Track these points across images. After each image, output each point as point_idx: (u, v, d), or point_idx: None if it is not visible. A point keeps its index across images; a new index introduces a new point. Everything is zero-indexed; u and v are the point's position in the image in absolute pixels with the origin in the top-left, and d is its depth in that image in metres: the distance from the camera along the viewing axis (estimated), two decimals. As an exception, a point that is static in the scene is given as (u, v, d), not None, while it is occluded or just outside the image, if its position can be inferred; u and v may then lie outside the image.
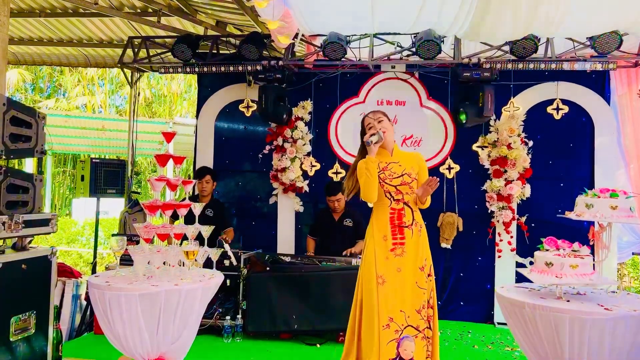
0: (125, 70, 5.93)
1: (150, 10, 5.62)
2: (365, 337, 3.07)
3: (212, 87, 6.02)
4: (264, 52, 5.12)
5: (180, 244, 3.13)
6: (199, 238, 3.15)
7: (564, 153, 5.31)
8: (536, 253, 2.92)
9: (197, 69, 5.44)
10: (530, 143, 5.28)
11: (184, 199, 3.19)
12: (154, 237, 3.00)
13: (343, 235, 5.04)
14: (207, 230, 3.15)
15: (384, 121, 3.24)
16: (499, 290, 2.93)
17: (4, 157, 2.87)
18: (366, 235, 3.25)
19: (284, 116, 5.36)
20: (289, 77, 5.30)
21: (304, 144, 5.68)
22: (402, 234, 3.13)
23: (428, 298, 3.12)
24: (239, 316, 4.42)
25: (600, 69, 4.80)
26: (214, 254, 3.23)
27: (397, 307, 3.03)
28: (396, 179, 3.17)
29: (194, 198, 5.24)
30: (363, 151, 3.26)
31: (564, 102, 5.29)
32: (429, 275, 3.15)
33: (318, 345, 4.33)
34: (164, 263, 3.02)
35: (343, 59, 4.80)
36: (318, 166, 5.74)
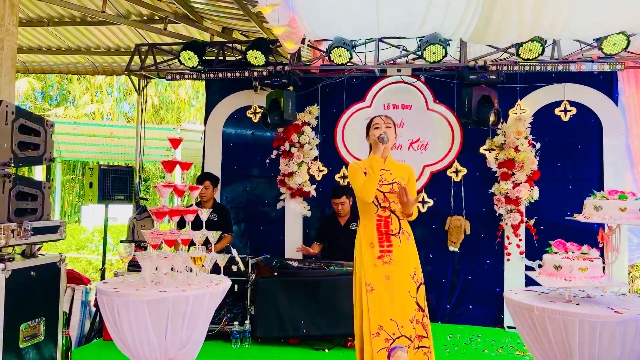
0: (132, 77, 5.97)
1: (156, 17, 5.67)
2: (365, 344, 3.07)
3: (220, 94, 6.06)
4: (269, 57, 5.14)
5: (188, 249, 3.14)
6: (206, 243, 3.16)
7: (572, 155, 5.27)
8: (545, 256, 2.90)
9: (203, 76, 5.47)
10: (538, 145, 5.24)
11: (190, 205, 3.20)
12: (161, 243, 3.01)
13: (350, 240, 5.00)
14: (214, 236, 3.15)
15: (391, 129, 3.27)
16: (508, 294, 2.91)
17: (12, 165, 2.90)
18: (355, 242, 3.27)
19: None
20: (295, 82, 5.31)
21: (311, 149, 5.69)
22: (390, 242, 3.12)
23: (423, 307, 3.11)
24: (247, 321, 4.42)
25: (608, 70, 4.77)
26: (222, 259, 3.23)
27: (386, 315, 3.00)
28: (385, 186, 3.18)
29: (197, 204, 5.25)
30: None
31: (572, 103, 5.26)
32: (421, 283, 3.15)
33: (327, 350, 4.32)
34: (171, 269, 3.03)
35: (349, 64, 4.80)
36: (325, 171, 5.74)
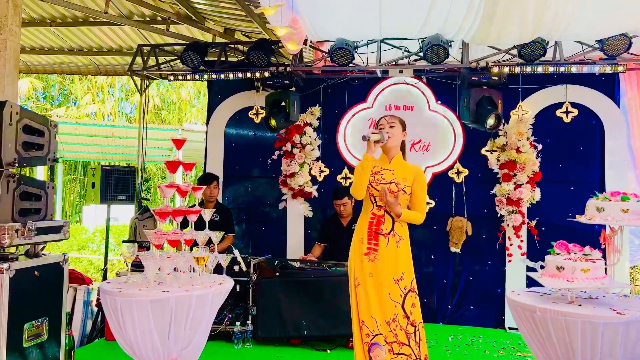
0: (134, 77, 5.98)
1: (159, 18, 5.68)
2: (355, 334, 3.16)
3: (222, 95, 6.07)
4: (272, 58, 5.15)
5: (190, 249, 3.15)
6: (208, 244, 3.17)
7: (574, 156, 5.28)
8: (547, 257, 2.91)
9: (205, 76, 5.48)
10: (540, 146, 5.25)
11: (193, 205, 3.21)
12: (164, 243, 3.02)
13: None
14: (217, 236, 3.16)
15: (395, 127, 3.27)
16: (510, 295, 2.92)
17: (17, 165, 2.91)
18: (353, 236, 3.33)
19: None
20: (297, 83, 5.32)
21: (313, 149, 5.70)
22: (377, 241, 3.15)
23: (408, 314, 3.07)
24: (249, 322, 4.43)
25: (610, 72, 4.77)
26: (224, 259, 3.24)
27: (367, 311, 3.08)
28: (382, 185, 3.18)
29: (200, 204, 5.26)
30: None
31: (574, 105, 5.27)
32: (410, 290, 3.11)
33: (328, 351, 4.33)
34: (174, 269, 3.04)
35: (351, 65, 4.81)
36: (327, 171, 5.75)
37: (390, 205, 3.12)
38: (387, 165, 3.25)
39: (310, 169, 5.72)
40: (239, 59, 5.49)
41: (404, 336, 3.05)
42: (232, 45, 5.56)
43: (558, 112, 5.30)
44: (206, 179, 5.30)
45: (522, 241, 5.26)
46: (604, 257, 2.90)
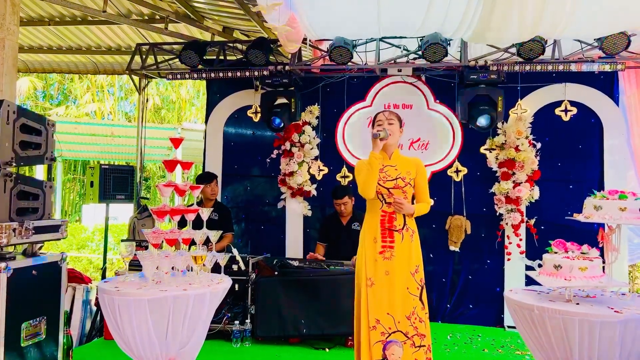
0: (133, 76, 5.98)
1: (157, 17, 5.67)
2: (362, 336, 3.13)
3: (221, 94, 6.07)
4: (270, 57, 5.15)
5: (189, 248, 3.14)
6: (207, 243, 3.17)
7: (573, 155, 5.28)
8: (545, 256, 2.91)
9: (204, 75, 5.47)
10: (539, 145, 5.25)
11: (191, 204, 3.21)
12: (162, 242, 3.02)
13: (352, 239, 5.01)
14: (215, 235, 3.16)
15: (394, 125, 3.28)
16: (508, 294, 2.92)
17: (14, 164, 2.90)
18: (360, 236, 3.31)
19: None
20: (295, 81, 5.32)
21: (312, 148, 5.69)
22: (392, 238, 3.15)
23: (425, 304, 3.12)
24: (248, 321, 4.43)
25: (609, 70, 4.77)
26: (222, 258, 3.24)
27: (383, 309, 3.07)
28: (389, 182, 3.19)
29: (198, 204, 5.27)
30: None
31: (572, 103, 5.26)
32: (421, 281, 3.16)
33: (327, 350, 4.33)
34: (172, 268, 3.04)
35: (349, 63, 4.81)
36: (326, 170, 5.75)
37: (405, 210, 3.15)
38: (389, 162, 3.26)
39: (309, 167, 5.72)
40: (238, 57, 5.48)
41: (423, 328, 3.10)
42: (231, 44, 5.56)
43: (557, 111, 5.30)
44: (206, 177, 5.31)
45: (521, 240, 5.26)
46: (602, 255, 2.89)
